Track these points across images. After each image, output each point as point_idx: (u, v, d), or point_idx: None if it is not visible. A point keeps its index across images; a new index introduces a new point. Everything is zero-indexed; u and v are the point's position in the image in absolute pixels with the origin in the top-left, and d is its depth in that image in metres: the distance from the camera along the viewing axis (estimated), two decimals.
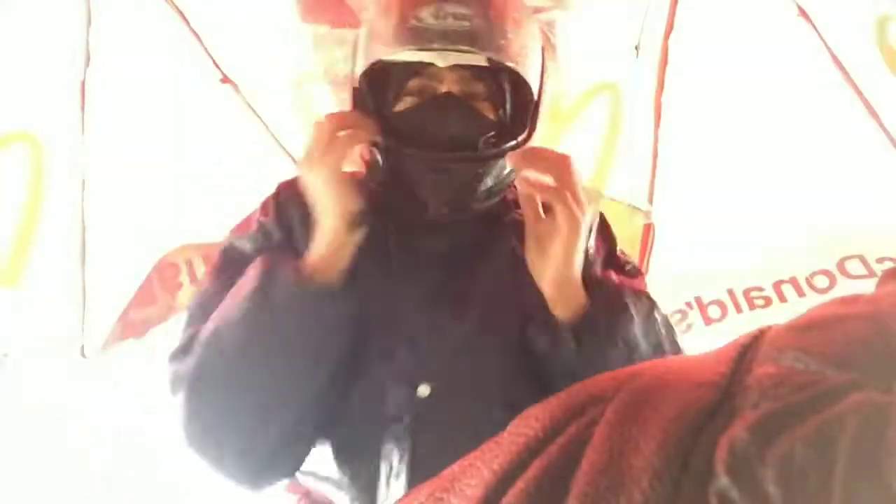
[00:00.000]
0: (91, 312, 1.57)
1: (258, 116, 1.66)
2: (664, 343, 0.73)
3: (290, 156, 1.73)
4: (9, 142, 1.36)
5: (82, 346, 1.56)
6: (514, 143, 0.75)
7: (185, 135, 1.61)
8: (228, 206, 1.69)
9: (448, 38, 0.71)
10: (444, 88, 0.75)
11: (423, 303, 0.74)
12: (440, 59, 0.74)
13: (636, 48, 1.58)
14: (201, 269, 1.73)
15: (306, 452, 0.73)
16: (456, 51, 0.73)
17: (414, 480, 0.67)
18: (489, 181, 0.76)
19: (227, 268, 0.78)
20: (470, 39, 0.72)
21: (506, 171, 0.77)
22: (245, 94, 1.62)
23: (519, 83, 0.77)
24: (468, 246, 0.79)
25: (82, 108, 1.49)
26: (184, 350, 0.72)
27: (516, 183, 0.73)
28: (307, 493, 0.78)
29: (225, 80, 1.59)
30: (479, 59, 0.74)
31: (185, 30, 1.49)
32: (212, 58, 1.55)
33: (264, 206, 0.82)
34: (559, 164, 0.69)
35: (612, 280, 0.80)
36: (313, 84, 1.59)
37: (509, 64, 0.74)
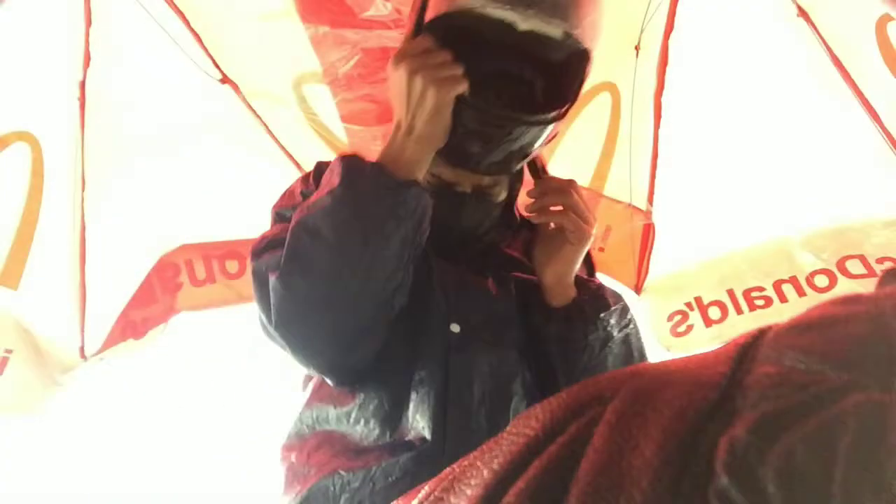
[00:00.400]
0: (90, 312, 1.57)
1: (258, 116, 1.66)
2: (632, 338, 0.88)
3: (289, 156, 1.73)
4: (9, 142, 1.36)
5: (82, 347, 1.56)
6: (555, 113, 0.79)
7: (184, 135, 1.61)
8: (228, 206, 1.70)
9: (531, 1, 0.72)
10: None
11: (453, 276, 0.87)
12: (521, 21, 0.74)
13: (636, 48, 1.58)
14: (201, 269, 1.72)
15: (379, 343, 0.79)
16: (537, 16, 0.73)
17: (439, 409, 0.76)
18: (527, 145, 0.81)
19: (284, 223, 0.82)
20: (552, 7, 0.73)
21: (531, 146, 0.81)
22: (245, 94, 1.62)
23: (571, 58, 0.79)
24: (480, 257, 0.93)
25: (82, 108, 1.48)
26: (272, 245, 0.78)
27: (533, 216, 0.87)
28: (301, 448, 0.82)
29: (225, 80, 1.59)
30: (556, 31, 0.75)
31: (185, 30, 1.49)
32: (212, 58, 1.55)
33: (304, 178, 0.90)
34: (563, 191, 0.84)
35: (596, 282, 0.95)
36: (313, 84, 1.59)
37: (583, 46, 0.76)
